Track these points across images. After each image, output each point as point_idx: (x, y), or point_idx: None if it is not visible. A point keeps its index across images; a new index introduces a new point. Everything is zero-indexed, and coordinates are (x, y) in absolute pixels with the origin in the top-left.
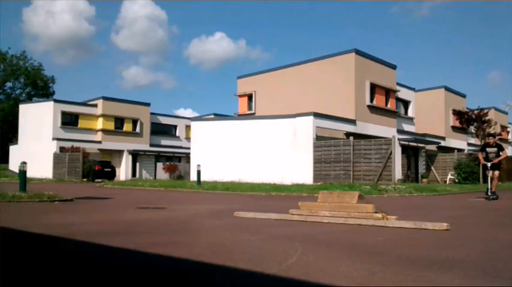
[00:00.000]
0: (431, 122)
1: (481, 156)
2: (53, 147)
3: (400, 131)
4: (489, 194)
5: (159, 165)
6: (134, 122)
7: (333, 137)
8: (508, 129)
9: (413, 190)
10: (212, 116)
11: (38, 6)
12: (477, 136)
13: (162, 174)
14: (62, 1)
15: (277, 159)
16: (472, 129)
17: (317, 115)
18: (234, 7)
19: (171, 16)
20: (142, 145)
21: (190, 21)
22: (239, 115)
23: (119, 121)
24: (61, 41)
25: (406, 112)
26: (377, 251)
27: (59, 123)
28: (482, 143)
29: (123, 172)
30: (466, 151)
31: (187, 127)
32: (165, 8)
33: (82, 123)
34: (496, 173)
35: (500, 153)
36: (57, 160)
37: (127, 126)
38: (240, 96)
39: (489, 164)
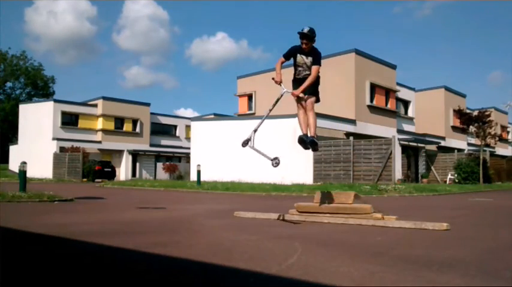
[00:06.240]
0: (431, 122)
1: (279, 66)
2: (53, 147)
3: (400, 131)
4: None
5: (159, 165)
6: (134, 122)
7: (333, 137)
8: (508, 129)
9: (413, 190)
10: (212, 116)
11: (40, 6)
12: (477, 136)
13: (162, 174)
14: (64, 1)
15: None
16: (472, 129)
17: (317, 115)
18: (236, 7)
19: (172, 16)
20: (142, 144)
21: (192, 21)
22: (239, 115)
23: (119, 121)
24: (63, 41)
25: (406, 112)
26: (377, 251)
27: (59, 123)
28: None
29: (123, 172)
30: (466, 151)
31: (187, 127)
32: (167, 8)
33: (82, 123)
34: (311, 100)
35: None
36: (57, 160)
37: (127, 126)
38: (240, 96)
39: (300, 94)
